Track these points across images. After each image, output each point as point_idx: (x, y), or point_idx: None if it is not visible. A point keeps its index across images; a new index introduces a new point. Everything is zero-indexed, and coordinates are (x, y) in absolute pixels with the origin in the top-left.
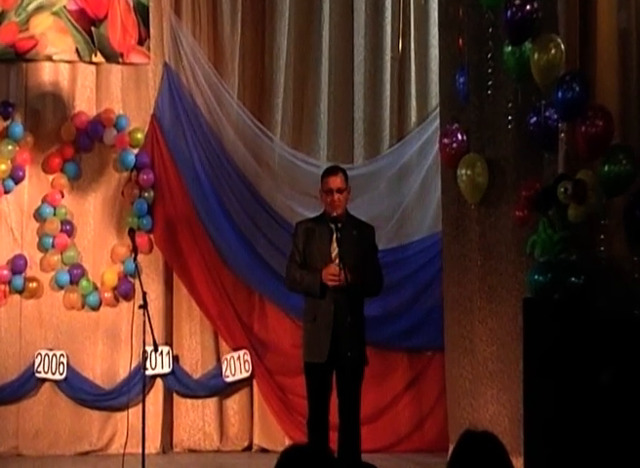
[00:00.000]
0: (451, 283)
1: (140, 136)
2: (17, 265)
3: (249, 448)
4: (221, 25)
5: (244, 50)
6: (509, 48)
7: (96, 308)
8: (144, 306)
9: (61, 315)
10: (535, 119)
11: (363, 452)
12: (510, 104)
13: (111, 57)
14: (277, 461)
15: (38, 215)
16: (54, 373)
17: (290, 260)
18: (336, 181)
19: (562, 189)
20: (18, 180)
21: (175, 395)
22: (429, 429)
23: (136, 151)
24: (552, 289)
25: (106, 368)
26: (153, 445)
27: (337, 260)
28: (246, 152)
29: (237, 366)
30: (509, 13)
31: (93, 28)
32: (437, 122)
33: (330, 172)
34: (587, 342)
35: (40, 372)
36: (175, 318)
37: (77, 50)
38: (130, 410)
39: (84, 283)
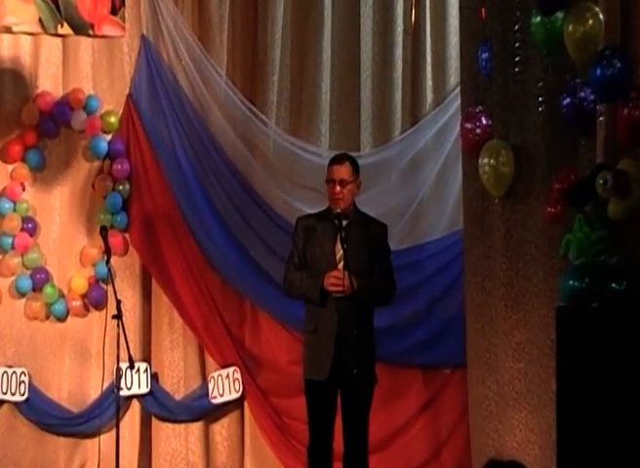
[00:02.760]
0: (473, 289)
1: (113, 119)
2: None
3: None
4: None
5: (234, 21)
6: (539, 18)
7: (62, 319)
8: (119, 316)
9: (22, 326)
10: (568, 100)
11: None
12: (540, 83)
13: (80, 28)
14: None
15: None
16: (13, 394)
17: (288, 262)
18: (339, 171)
19: (601, 181)
20: None
21: (153, 419)
22: (448, 458)
23: (109, 137)
24: (590, 296)
25: (75, 387)
26: None
27: (341, 263)
28: (236, 139)
29: (226, 385)
30: None
31: None
32: (456, 104)
33: (334, 160)
34: (631, 357)
35: None
36: (153, 330)
37: (40, 20)
38: (102, 437)
39: (48, 289)
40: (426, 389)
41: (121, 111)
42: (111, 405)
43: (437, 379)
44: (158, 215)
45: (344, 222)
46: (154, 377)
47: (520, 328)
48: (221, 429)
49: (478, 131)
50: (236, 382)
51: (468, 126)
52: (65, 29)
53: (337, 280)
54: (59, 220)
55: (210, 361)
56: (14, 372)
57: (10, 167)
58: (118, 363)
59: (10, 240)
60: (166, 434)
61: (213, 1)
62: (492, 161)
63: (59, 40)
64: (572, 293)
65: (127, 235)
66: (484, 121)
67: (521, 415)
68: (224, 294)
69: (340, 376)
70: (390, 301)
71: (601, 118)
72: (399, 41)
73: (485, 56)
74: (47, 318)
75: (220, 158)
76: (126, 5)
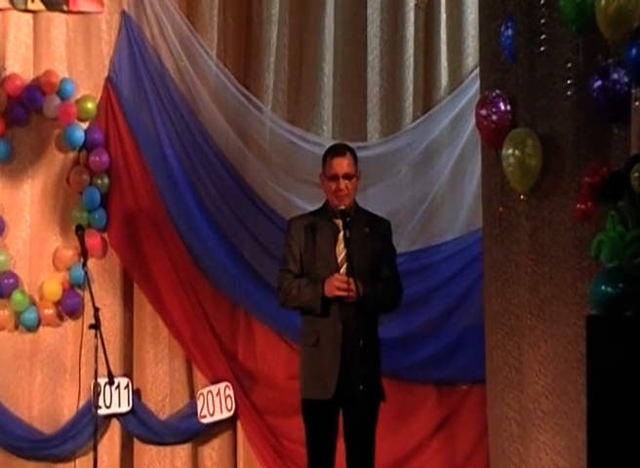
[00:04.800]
0: (493, 296)
1: (90, 105)
2: None
3: None
4: None
5: None
6: None
7: (33, 328)
8: (96, 326)
9: None
10: (600, 83)
11: None
12: (569, 65)
13: (53, 3)
14: None
15: None
16: None
17: (281, 269)
18: (342, 164)
19: (636, 174)
20: None
21: (135, 441)
22: None
23: (85, 126)
24: (624, 303)
25: (47, 406)
26: None
27: (344, 266)
28: (228, 127)
29: (216, 403)
30: None
31: None
32: (475, 88)
33: (335, 152)
34: None
35: None
36: (135, 341)
37: None
38: (77, 461)
39: (18, 296)
40: (441, 407)
41: (99, 96)
42: (88, 425)
43: (453, 396)
44: (140, 213)
45: (347, 220)
46: (136, 394)
47: (546, 339)
48: (212, 452)
49: (494, 118)
50: (228, 400)
51: (483, 112)
52: (37, 4)
53: (342, 283)
54: (29, 218)
55: (199, 376)
56: None
57: None
58: (96, 378)
59: None
60: (149, 458)
61: None
62: (517, 152)
63: (29, 16)
64: (604, 300)
65: (105, 235)
66: (502, 107)
67: (547, 437)
68: (215, 301)
69: (344, 394)
70: (397, 307)
71: (637, 103)
72: (410, 17)
73: (507, 34)
74: (16, 328)
75: (210, 149)
76: None
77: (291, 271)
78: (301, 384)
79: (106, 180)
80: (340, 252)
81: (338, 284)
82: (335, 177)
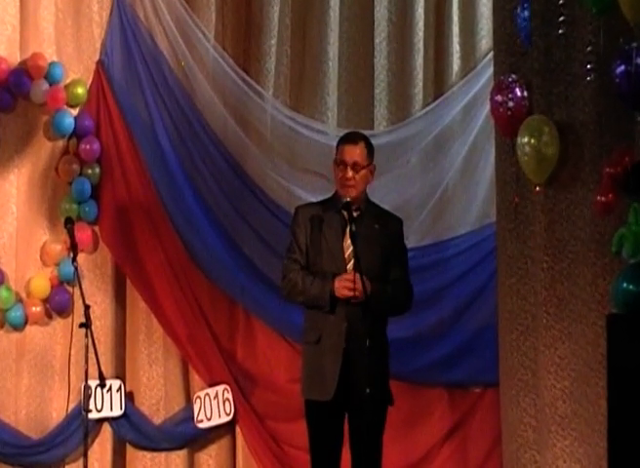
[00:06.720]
0: (507, 294)
1: (80, 91)
2: None
3: None
4: None
5: None
6: None
7: (19, 327)
8: (87, 325)
9: None
10: (622, 68)
11: None
12: (590, 48)
13: None
14: None
15: None
16: None
17: (288, 257)
18: (353, 152)
19: None
20: None
21: (128, 446)
22: None
23: (75, 112)
24: None
25: (34, 409)
26: None
27: (351, 263)
28: (227, 114)
29: (214, 407)
30: None
31: None
32: (488, 73)
33: (348, 139)
34: None
35: None
36: (128, 341)
37: None
38: None
39: (3, 293)
40: (452, 412)
41: (90, 81)
42: (78, 430)
43: (465, 400)
44: (133, 205)
45: (355, 214)
46: (129, 397)
47: (564, 339)
48: (209, 459)
49: (511, 104)
50: (226, 403)
51: (499, 98)
52: None
53: (350, 283)
54: (15, 211)
55: (195, 378)
56: None
57: None
58: (86, 380)
59: None
60: (143, 464)
61: None
62: (533, 141)
63: None
64: (626, 299)
65: (96, 228)
66: (518, 93)
67: (565, 443)
68: (213, 299)
69: (349, 397)
70: (406, 311)
71: None
72: None
73: (523, 15)
74: (1, 326)
75: (208, 137)
76: None
77: (297, 261)
78: (302, 384)
79: (97, 170)
80: (348, 247)
81: (346, 284)
82: (342, 164)
